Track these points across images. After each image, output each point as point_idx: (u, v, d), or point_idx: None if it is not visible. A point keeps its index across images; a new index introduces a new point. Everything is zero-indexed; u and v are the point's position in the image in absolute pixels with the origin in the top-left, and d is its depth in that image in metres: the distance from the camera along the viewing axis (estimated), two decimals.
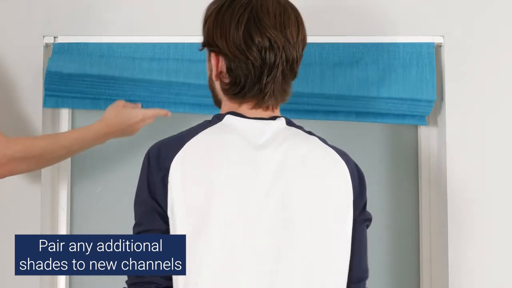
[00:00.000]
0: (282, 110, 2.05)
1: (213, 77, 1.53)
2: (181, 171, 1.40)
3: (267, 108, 1.52)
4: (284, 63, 1.49)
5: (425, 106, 2.06)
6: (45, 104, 2.06)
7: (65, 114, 2.15)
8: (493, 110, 2.09)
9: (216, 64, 1.51)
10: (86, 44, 2.07)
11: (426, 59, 2.07)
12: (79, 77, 2.02)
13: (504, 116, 2.09)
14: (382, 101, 2.05)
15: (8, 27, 2.09)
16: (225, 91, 1.52)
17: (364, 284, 1.57)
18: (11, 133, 2.03)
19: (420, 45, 2.08)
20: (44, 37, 2.09)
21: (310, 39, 2.05)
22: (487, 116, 2.09)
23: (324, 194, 1.46)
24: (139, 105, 2.02)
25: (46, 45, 2.09)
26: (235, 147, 1.44)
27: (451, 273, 2.05)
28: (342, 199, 1.48)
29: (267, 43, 1.47)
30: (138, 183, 1.46)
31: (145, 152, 1.47)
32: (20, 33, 2.08)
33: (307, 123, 2.09)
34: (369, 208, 2.24)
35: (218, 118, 1.50)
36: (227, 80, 1.51)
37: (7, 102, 2.06)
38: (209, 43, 1.52)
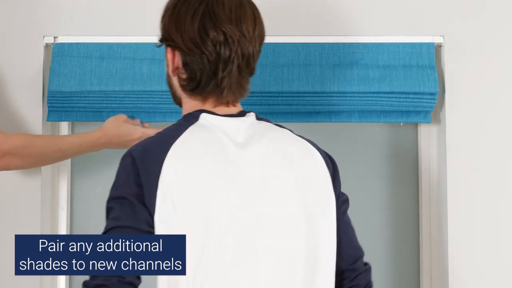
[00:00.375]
0: (285, 113, 2.07)
1: (170, 73, 1.52)
2: (173, 174, 1.39)
3: (227, 104, 1.51)
4: (240, 57, 1.47)
5: (429, 100, 2.05)
6: (48, 119, 2.07)
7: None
8: (493, 110, 2.09)
9: (172, 59, 1.50)
10: (86, 44, 2.07)
11: (426, 59, 2.07)
12: (80, 94, 2.03)
13: (504, 116, 2.09)
14: (385, 97, 2.05)
15: (8, 27, 2.08)
16: (183, 87, 1.51)
17: (362, 263, 1.57)
18: (10, 131, 2.03)
19: (420, 45, 2.08)
20: (44, 37, 2.09)
21: (310, 39, 2.08)
22: (487, 116, 2.08)
23: (310, 185, 1.46)
24: (138, 121, 2.04)
25: (46, 45, 2.09)
26: (221, 146, 1.43)
27: (451, 273, 2.05)
28: (324, 187, 1.48)
29: (221, 38, 1.45)
30: (119, 181, 1.43)
31: (125, 153, 1.44)
32: (20, 33, 2.08)
33: (307, 126, 2.09)
34: (369, 208, 2.24)
35: (194, 117, 1.49)
36: (184, 76, 1.50)
37: (7, 102, 2.06)
38: (165, 38, 1.51)
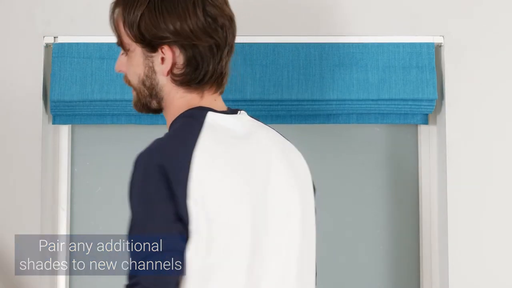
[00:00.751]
0: (283, 116, 2.07)
1: (164, 73, 1.42)
2: (204, 181, 1.32)
3: (221, 93, 1.47)
4: (233, 40, 1.45)
5: (427, 106, 2.07)
6: (54, 122, 2.09)
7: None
8: (493, 110, 2.09)
9: (172, 56, 1.40)
10: (86, 45, 2.07)
11: (426, 59, 2.07)
12: (82, 104, 2.05)
13: (504, 115, 2.09)
14: (383, 103, 2.06)
15: (8, 27, 2.09)
16: (180, 82, 1.42)
17: None
18: (11, 131, 2.04)
19: (420, 45, 2.08)
20: (44, 37, 2.09)
21: (310, 39, 2.08)
22: (487, 116, 2.09)
23: (304, 185, 1.46)
24: None
25: (46, 45, 2.09)
26: (235, 148, 1.39)
27: (451, 273, 2.05)
28: (311, 187, 1.49)
29: (227, 22, 1.42)
30: (149, 194, 1.32)
31: (142, 160, 1.35)
32: (20, 33, 2.08)
33: (307, 127, 2.10)
34: (369, 208, 2.24)
35: (201, 115, 1.41)
36: (181, 71, 1.41)
37: (7, 102, 2.06)
38: (159, 36, 1.40)
